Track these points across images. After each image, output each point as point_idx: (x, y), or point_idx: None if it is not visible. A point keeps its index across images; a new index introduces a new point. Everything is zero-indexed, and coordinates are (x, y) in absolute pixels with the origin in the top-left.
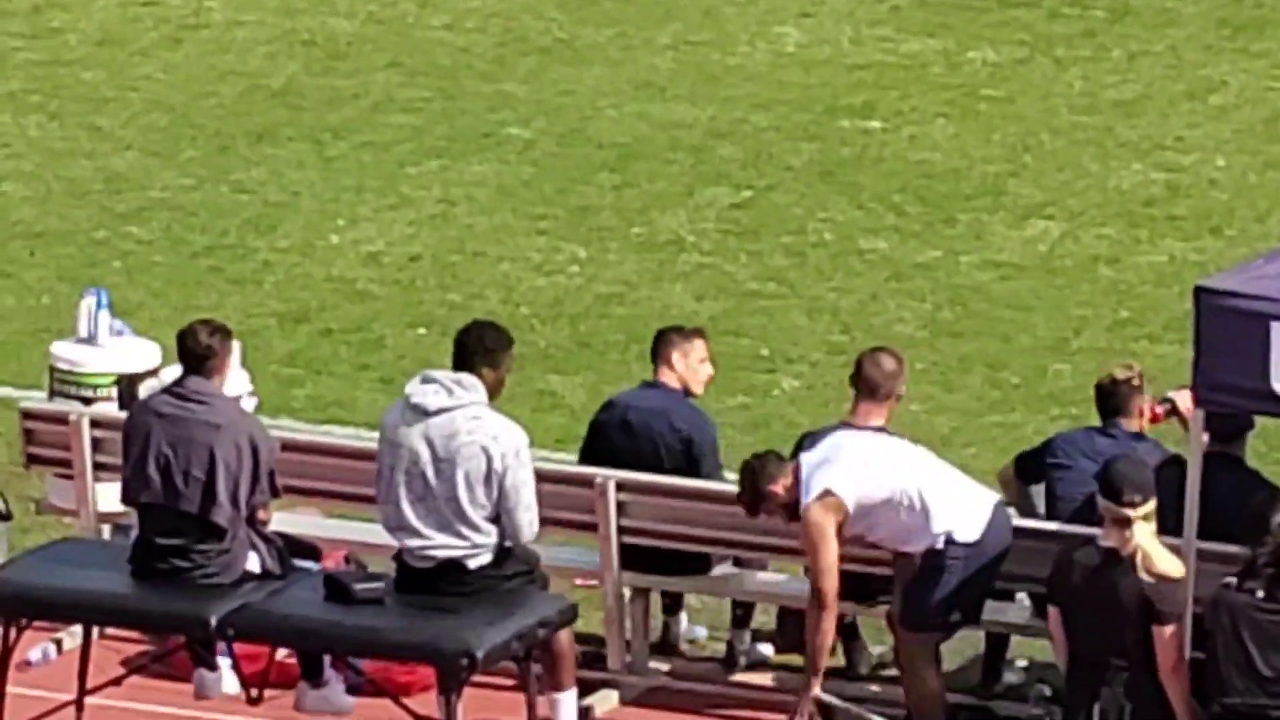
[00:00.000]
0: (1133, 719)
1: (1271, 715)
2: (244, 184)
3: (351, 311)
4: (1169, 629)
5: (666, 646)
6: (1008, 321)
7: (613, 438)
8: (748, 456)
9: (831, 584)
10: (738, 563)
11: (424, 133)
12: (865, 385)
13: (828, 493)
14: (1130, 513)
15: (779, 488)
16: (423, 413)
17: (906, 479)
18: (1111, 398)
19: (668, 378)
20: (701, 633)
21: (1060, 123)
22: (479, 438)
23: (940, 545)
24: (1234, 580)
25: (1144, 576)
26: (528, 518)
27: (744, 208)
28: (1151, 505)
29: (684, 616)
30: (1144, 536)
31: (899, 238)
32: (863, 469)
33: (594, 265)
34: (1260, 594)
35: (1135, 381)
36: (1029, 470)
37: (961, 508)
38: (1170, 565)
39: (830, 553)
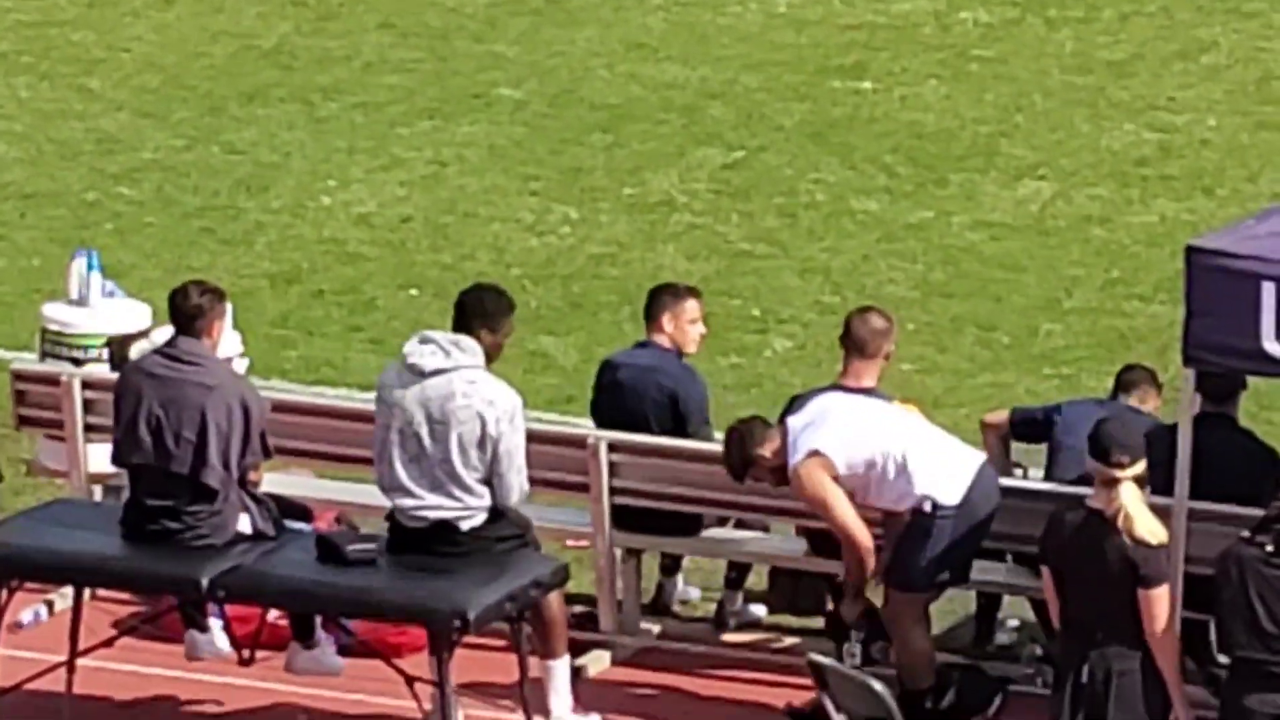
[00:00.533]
0: (1121, 680)
1: (1272, 670)
2: (235, 145)
3: (343, 272)
4: (1154, 592)
5: (659, 607)
6: (999, 282)
7: (604, 397)
8: (733, 422)
9: (853, 520)
10: (740, 524)
11: (415, 94)
12: (854, 344)
13: (815, 453)
14: (1117, 473)
15: (766, 451)
16: (419, 373)
17: (891, 441)
18: (1129, 374)
19: (659, 338)
20: (695, 594)
21: (1052, 83)
22: (474, 401)
23: (927, 508)
24: (1247, 533)
25: (1126, 540)
26: (518, 480)
27: (735, 168)
28: (1140, 467)
29: (680, 578)
30: (1129, 498)
31: (890, 198)
32: (849, 431)
33: (586, 226)
34: (1270, 548)
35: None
36: (1029, 434)
37: (945, 470)
38: (1149, 530)
39: (840, 501)
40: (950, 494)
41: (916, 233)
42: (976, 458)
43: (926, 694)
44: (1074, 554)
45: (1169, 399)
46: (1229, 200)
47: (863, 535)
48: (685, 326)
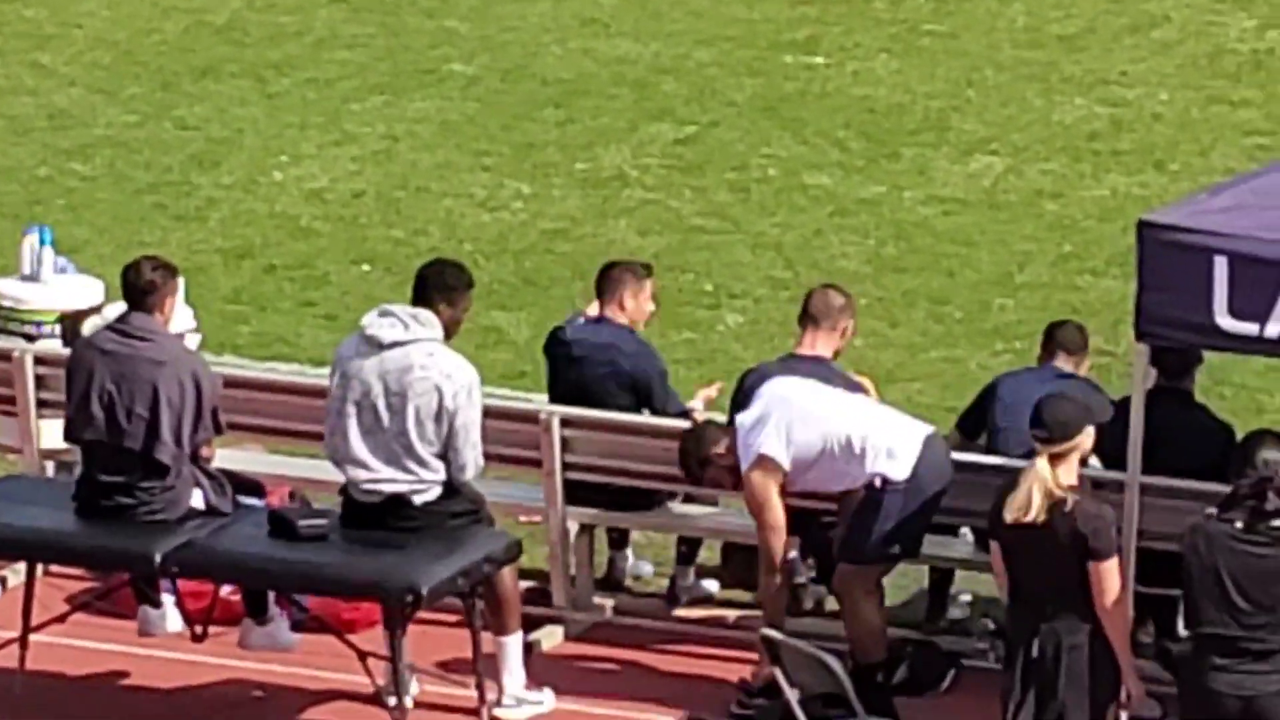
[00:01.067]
0: (1071, 654)
1: (1242, 646)
2: (187, 120)
3: (295, 248)
4: (1104, 565)
5: (612, 582)
6: (951, 257)
7: (561, 371)
8: (687, 428)
9: (779, 545)
10: (689, 499)
11: (367, 69)
12: (809, 315)
13: (763, 458)
14: (1038, 446)
15: (722, 449)
16: (377, 345)
17: (836, 425)
18: (1061, 333)
19: (617, 314)
20: (647, 569)
21: (1003, 58)
22: (432, 374)
23: (877, 484)
24: (1214, 511)
25: (1075, 513)
26: (473, 455)
27: (688, 143)
28: (1065, 446)
29: (629, 553)
30: (1040, 473)
31: (843, 173)
32: (794, 425)
33: (538, 201)
34: (1239, 524)
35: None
36: (974, 427)
37: (893, 447)
38: (1030, 516)
39: (774, 514)
40: (898, 469)
41: (869, 207)
42: (923, 430)
43: (878, 668)
44: (1023, 528)
45: (1121, 373)
46: (1181, 175)
47: (780, 549)
48: (643, 305)
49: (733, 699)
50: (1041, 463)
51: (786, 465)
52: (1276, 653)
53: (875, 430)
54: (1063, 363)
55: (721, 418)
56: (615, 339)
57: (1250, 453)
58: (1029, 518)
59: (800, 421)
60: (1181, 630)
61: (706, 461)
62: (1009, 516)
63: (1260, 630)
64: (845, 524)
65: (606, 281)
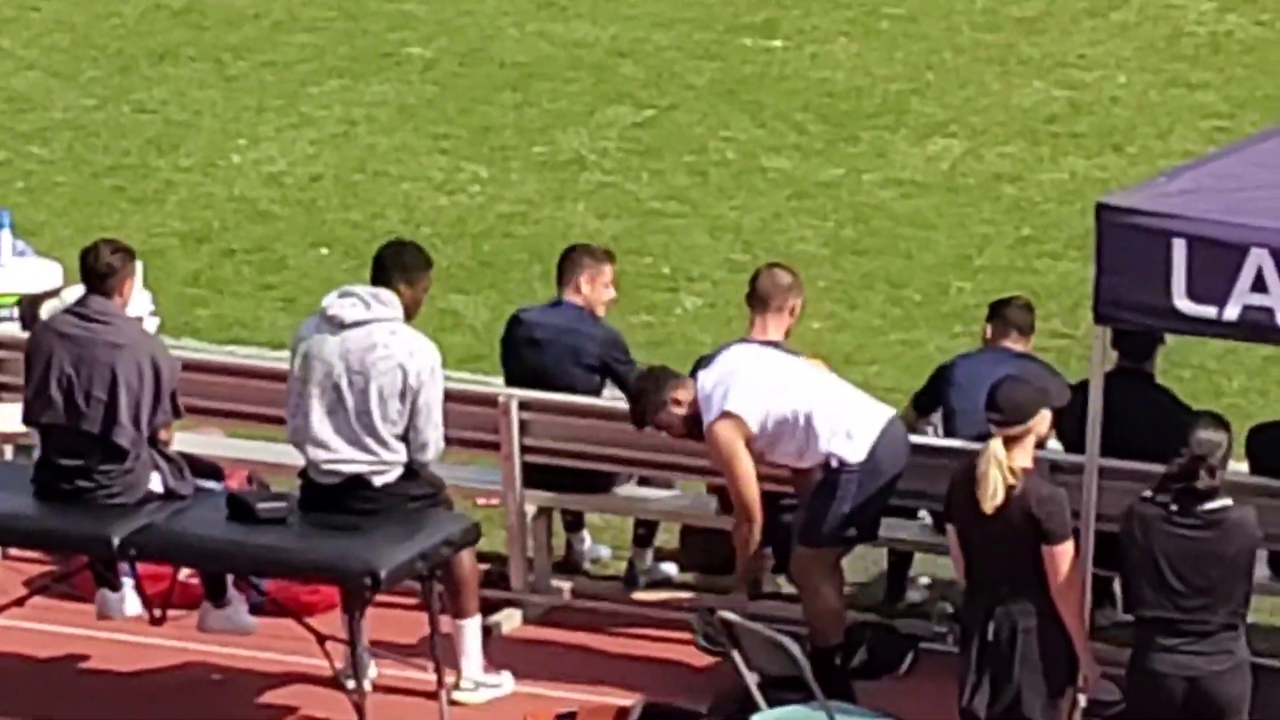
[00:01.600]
0: (1026, 637)
1: (1181, 628)
2: (146, 104)
3: (253, 231)
4: (1058, 549)
5: (570, 566)
6: (910, 239)
7: (519, 354)
8: (645, 368)
9: (752, 494)
10: (643, 481)
11: (325, 52)
12: (758, 298)
13: (728, 414)
14: (993, 429)
15: (680, 396)
16: (339, 325)
17: (798, 398)
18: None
19: (574, 298)
20: (605, 552)
21: (962, 40)
22: (395, 352)
23: (834, 464)
24: (1149, 493)
25: (1029, 497)
26: (434, 436)
27: (646, 126)
28: (1019, 429)
29: (586, 535)
30: (996, 455)
31: (801, 156)
32: (760, 388)
33: (495, 185)
34: (1173, 507)
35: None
36: (929, 403)
37: (851, 427)
38: (988, 500)
39: (745, 464)
40: (855, 451)
41: (827, 190)
42: (883, 414)
43: (836, 651)
44: (976, 511)
45: (1080, 355)
46: (1139, 157)
47: (754, 500)
48: (600, 289)
49: (691, 682)
50: (996, 444)
51: (752, 426)
52: (1216, 634)
53: (837, 409)
54: (1014, 343)
55: None
56: (575, 322)
57: (1186, 432)
58: (996, 504)
59: (766, 387)
60: (1122, 614)
61: (661, 405)
62: (987, 508)
63: (1199, 612)
64: (803, 507)
65: (565, 264)
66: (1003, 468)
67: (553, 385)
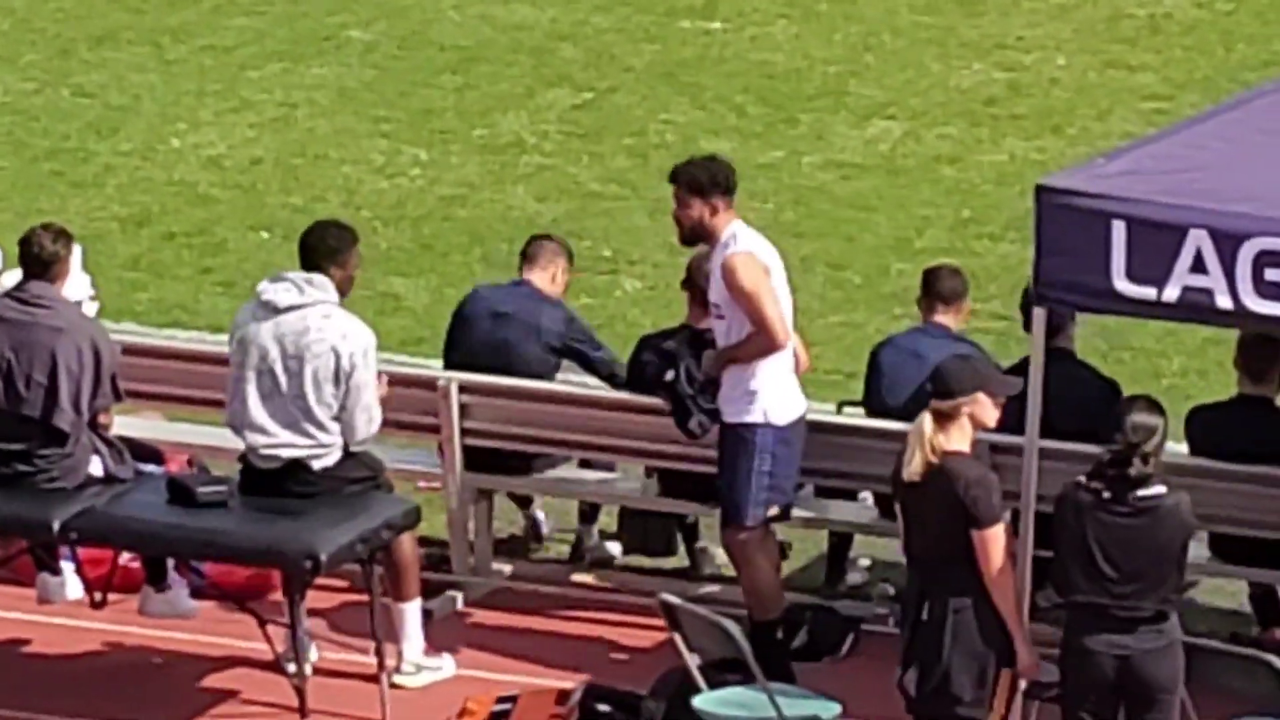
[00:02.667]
0: (957, 617)
1: (1112, 614)
2: (85, 88)
3: (193, 215)
4: (987, 533)
5: (528, 539)
6: (850, 221)
7: (481, 327)
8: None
9: (782, 330)
10: (584, 464)
11: (265, 36)
12: (696, 286)
13: (751, 254)
14: (934, 402)
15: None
16: (273, 310)
17: (787, 310)
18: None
19: (538, 280)
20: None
21: (901, 22)
22: (328, 336)
23: (761, 419)
24: (1083, 478)
25: (958, 481)
26: (364, 418)
27: (585, 109)
28: (949, 404)
29: (538, 511)
30: (923, 429)
31: (740, 138)
32: (769, 258)
33: (436, 168)
34: (1106, 494)
35: (938, 271)
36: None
37: (790, 389)
38: (911, 472)
39: (772, 298)
40: (783, 413)
41: (767, 172)
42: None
43: (776, 625)
44: (911, 491)
45: (1020, 337)
46: (1078, 139)
47: (782, 336)
48: (560, 279)
49: (632, 664)
50: (925, 418)
51: (772, 270)
52: (1147, 620)
53: (782, 365)
54: (943, 315)
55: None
56: (538, 302)
57: (1120, 418)
58: (915, 476)
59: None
60: (1053, 597)
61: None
62: (905, 476)
63: (1129, 598)
64: (723, 484)
65: (531, 248)
66: (924, 440)
67: (509, 359)
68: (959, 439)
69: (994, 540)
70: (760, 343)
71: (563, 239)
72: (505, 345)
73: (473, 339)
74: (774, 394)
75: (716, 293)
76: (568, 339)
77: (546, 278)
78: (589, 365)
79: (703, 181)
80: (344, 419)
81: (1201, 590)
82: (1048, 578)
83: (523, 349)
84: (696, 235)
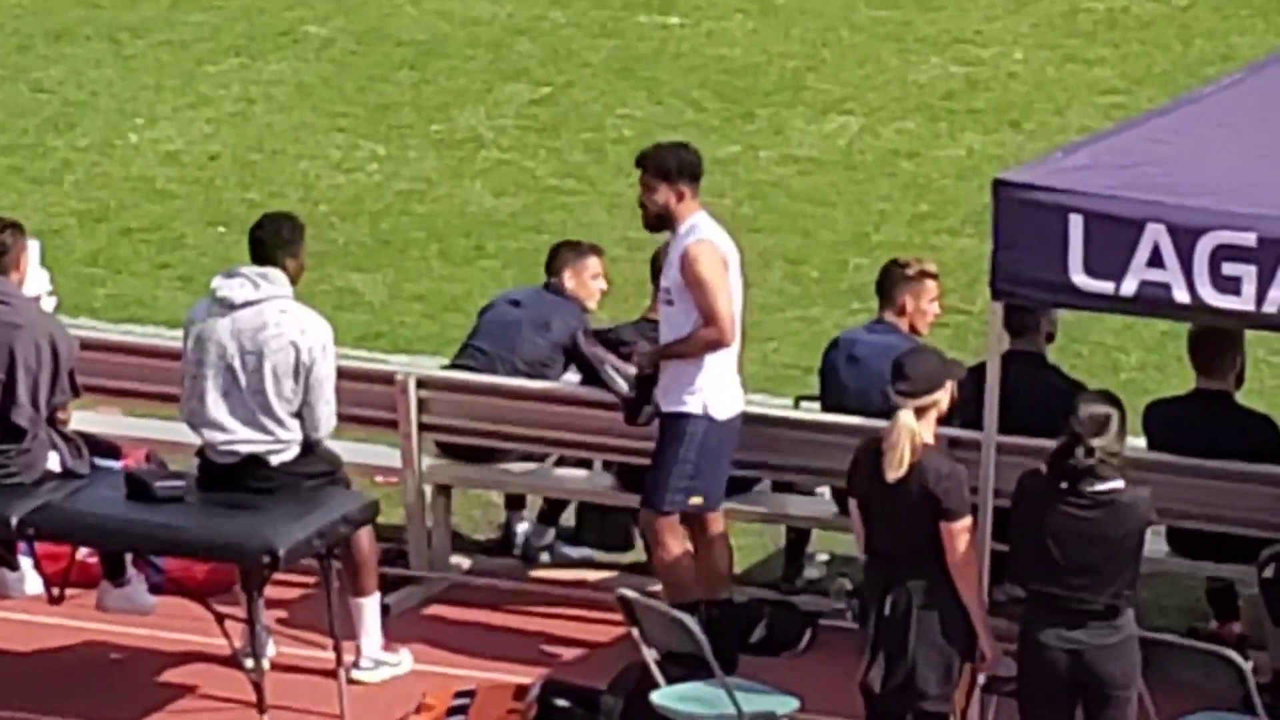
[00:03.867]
0: (922, 612)
1: (1064, 605)
2: (42, 83)
3: (151, 210)
4: (956, 525)
5: (506, 545)
6: (808, 216)
7: (490, 327)
8: None
9: (731, 325)
10: (561, 462)
11: (222, 31)
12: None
13: (713, 244)
14: (898, 400)
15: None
16: (229, 306)
17: (737, 305)
18: (882, 281)
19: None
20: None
21: (859, 17)
22: (287, 330)
23: (698, 410)
24: (1040, 469)
25: (927, 472)
26: (326, 412)
27: (543, 104)
28: (928, 400)
29: (526, 517)
30: (910, 425)
31: (698, 133)
32: (728, 250)
33: (393, 163)
34: (1063, 485)
35: (910, 272)
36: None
37: (727, 384)
38: (895, 470)
39: (726, 286)
40: (724, 408)
41: (724, 167)
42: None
43: (694, 609)
44: (877, 485)
45: (978, 331)
46: (1036, 133)
47: (730, 333)
48: (587, 281)
49: (590, 659)
50: (907, 415)
51: (729, 261)
52: (1099, 614)
53: (725, 360)
54: (891, 316)
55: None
56: (557, 303)
57: (1073, 410)
58: (900, 473)
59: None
60: (1011, 591)
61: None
62: (890, 477)
63: (1082, 590)
64: (653, 463)
65: (551, 258)
66: (914, 438)
67: (513, 342)
68: (927, 431)
69: (963, 533)
70: (707, 336)
71: (582, 241)
72: (511, 336)
73: (486, 320)
74: (715, 388)
75: (670, 278)
76: (574, 337)
77: (568, 285)
78: (589, 371)
79: (671, 167)
80: (305, 413)
81: (1159, 585)
82: (1005, 571)
83: (525, 338)
84: (661, 221)
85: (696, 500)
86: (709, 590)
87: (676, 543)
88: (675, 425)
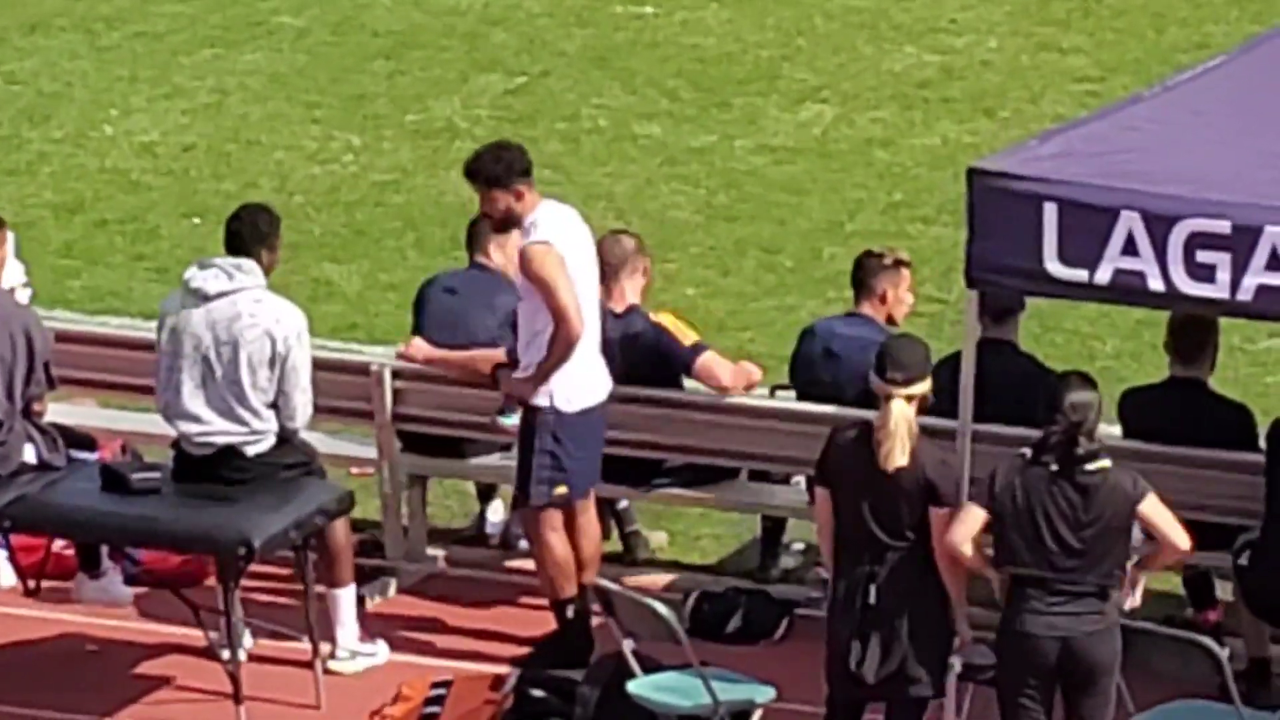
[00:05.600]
0: (912, 599)
1: (1054, 587)
2: (17, 75)
3: (126, 202)
4: (949, 511)
5: (478, 539)
6: (783, 205)
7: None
8: None
9: (577, 322)
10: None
11: (197, 22)
12: (609, 267)
13: (548, 244)
14: (891, 389)
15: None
16: (203, 297)
17: (589, 295)
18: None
19: (485, 262)
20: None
21: (833, 6)
22: (261, 320)
23: (546, 403)
24: (1028, 452)
25: (922, 459)
26: (303, 400)
27: (518, 94)
28: (919, 389)
29: (500, 506)
30: (906, 414)
31: (673, 122)
32: (585, 258)
33: (369, 153)
34: (1054, 468)
35: (886, 261)
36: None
37: (582, 377)
38: (898, 459)
39: (570, 289)
40: (572, 401)
41: (699, 157)
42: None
43: (565, 606)
44: (859, 472)
45: (953, 320)
46: (1011, 122)
47: (579, 324)
48: (513, 255)
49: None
50: (900, 404)
51: (566, 261)
52: (1090, 595)
53: (582, 353)
54: (866, 307)
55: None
56: (494, 281)
57: (1057, 396)
58: (902, 464)
59: (588, 264)
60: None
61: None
62: (888, 467)
63: (1072, 573)
64: (518, 460)
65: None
66: (911, 427)
67: (464, 328)
68: (914, 419)
69: (953, 518)
70: (563, 337)
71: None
72: (459, 315)
73: (427, 317)
74: (562, 380)
75: (518, 278)
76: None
77: (494, 258)
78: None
79: (498, 173)
80: (281, 402)
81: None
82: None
83: (473, 318)
84: (509, 224)
85: (561, 490)
86: (580, 575)
87: (552, 536)
88: (530, 418)
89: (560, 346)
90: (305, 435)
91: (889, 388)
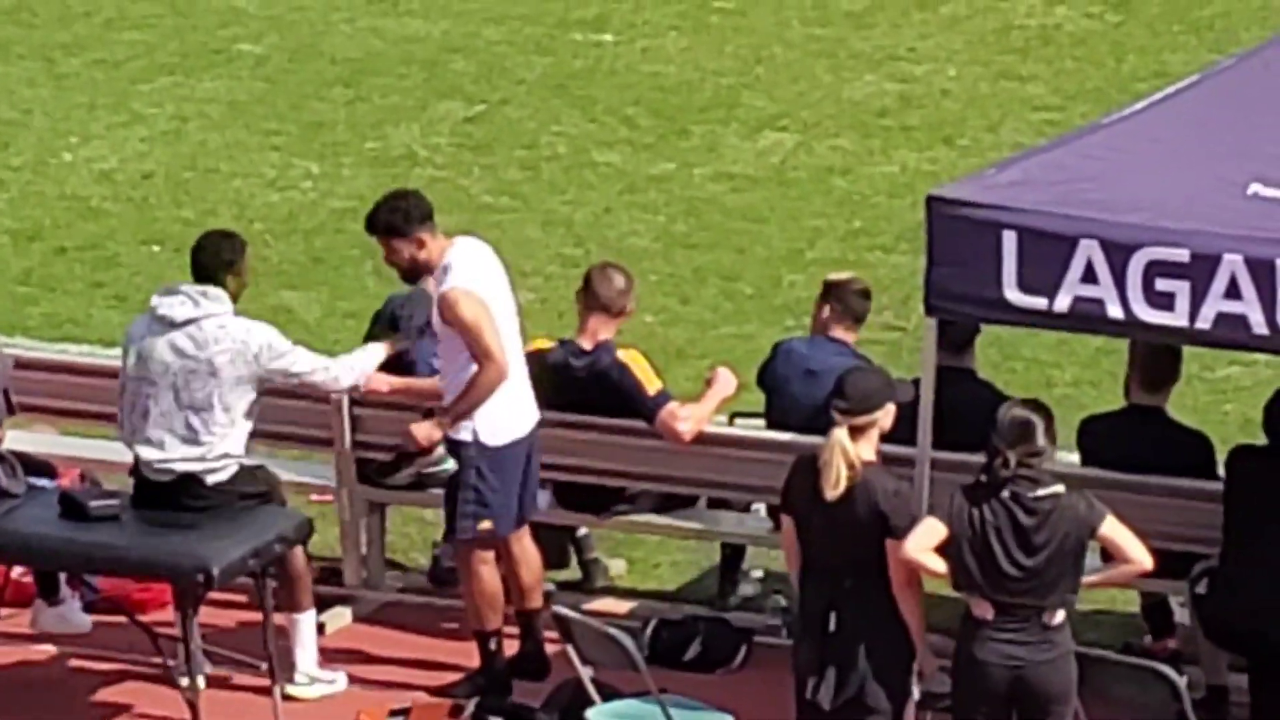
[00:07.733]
0: (869, 627)
1: (1008, 610)
2: None
3: (85, 229)
4: (903, 542)
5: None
6: (742, 233)
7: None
8: None
9: (501, 370)
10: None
11: (156, 49)
12: (598, 302)
13: (468, 291)
14: (838, 417)
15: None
16: (170, 324)
17: (509, 325)
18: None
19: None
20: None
21: (793, 34)
22: (228, 343)
23: (468, 436)
24: (983, 477)
25: (876, 489)
26: (325, 371)
27: (477, 122)
28: (866, 419)
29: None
30: (842, 443)
31: (632, 150)
32: (486, 287)
33: (327, 180)
34: (1005, 493)
35: (857, 287)
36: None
37: (508, 410)
38: (833, 488)
39: (491, 323)
40: (495, 434)
41: (658, 184)
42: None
43: (490, 636)
44: (817, 503)
45: (912, 348)
46: (970, 150)
47: (504, 367)
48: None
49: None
50: (841, 434)
51: (486, 301)
52: (1041, 622)
53: (512, 384)
54: (845, 332)
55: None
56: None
57: (998, 418)
58: (837, 492)
59: (493, 296)
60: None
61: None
62: (829, 496)
63: (1025, 596)
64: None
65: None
66: (848, 456)
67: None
68: (868, 449)
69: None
70: (486, 378)
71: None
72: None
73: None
74: (485, 415)
75: (436, 321)
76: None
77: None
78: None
79: (398, 223)
80: (319, 384)
81: (1095, 599)
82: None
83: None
84: (417, 272)
85: (486, 525)
86: (519, 603)
87: (482, 568)
88: (455, 452)
89: (482, 390)
90: (265, 463)
91: (835, 415)
